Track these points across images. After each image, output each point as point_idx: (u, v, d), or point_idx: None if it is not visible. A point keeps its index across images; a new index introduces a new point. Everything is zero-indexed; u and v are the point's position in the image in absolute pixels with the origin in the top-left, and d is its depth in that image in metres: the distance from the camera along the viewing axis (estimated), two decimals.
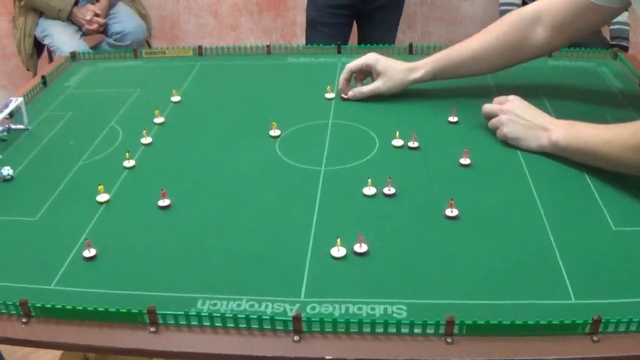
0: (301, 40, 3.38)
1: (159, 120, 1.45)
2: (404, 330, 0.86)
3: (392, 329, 0.86)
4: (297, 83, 1.65)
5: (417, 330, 0.86)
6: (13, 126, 1.46)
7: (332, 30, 2.68)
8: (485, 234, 1.06)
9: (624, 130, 1.13)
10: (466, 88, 1.55)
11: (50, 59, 2.99)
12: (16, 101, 1.45)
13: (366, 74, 1.53)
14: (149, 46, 3.03)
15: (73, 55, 1.85)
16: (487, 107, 1.35)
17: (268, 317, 0.89)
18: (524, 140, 1.27)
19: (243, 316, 0.89)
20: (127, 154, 1.29)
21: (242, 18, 3.36)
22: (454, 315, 0.85)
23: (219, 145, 1.36)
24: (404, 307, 0.91)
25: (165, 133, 1.41)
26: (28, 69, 2.93)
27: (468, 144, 1.28)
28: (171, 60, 1.81)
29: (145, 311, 0.90)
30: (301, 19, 3.33)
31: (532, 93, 1.45)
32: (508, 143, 1.29)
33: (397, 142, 1.34)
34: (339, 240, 1.02)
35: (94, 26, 2.81)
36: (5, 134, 1.43)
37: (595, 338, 0.85)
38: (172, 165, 1.30)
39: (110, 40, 2.87)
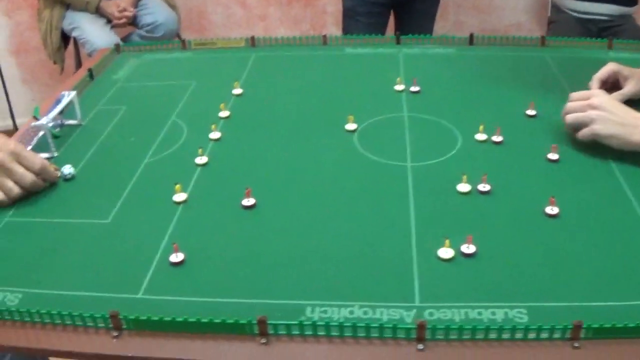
0: (331, 30, 3.30)
1: (224, 114, 1.37)
2: (531, 335, 0.81)
3: (519, 335, 0.81)
4: (361, 74, 1.57)
5: (543, 335, 0.81)
6: (66, 122, 1.38)
7: (369, 20, 2.62)
8: (588, 232, 1.01)
9: None
10: (539, 81, 1.47)
11: (77, 52, 2.90)
12: (69, 95, 1.37)
13: (611, 83, 1.42)
14: (180, 38, 2.94)
15: (117, 47, 1.77)
16: (572, 105, 1.24)
17: (390, 326, 0.82)
18: (616, 138, 1.17)
19: (363, 325, 0.82)
20: (199, 150, 1.21)
21: (271, 8, 3.28)
22: (582, 320, 0.80)
23: (293, 139, 1.28)
24: (524, 311, 0.85)
25: (232, 127, 1.33)
26: (55, 63, 2.84)
27: (551, 138, 1.23)
28: (222, 52, 1.73)
29: (255, 321, 0.82)
30: (331, 8, 3.25)
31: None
32: (594, 141, 1.20)
33: (481, 137, 1.26)
34: (447, 242, 0.95)
35: (123, 20, 2.72)
36: (57, 129, 1.35)
37: None
38: (246, 161, 1.22)
39: (142, 32, 2.78)
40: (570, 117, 1.23)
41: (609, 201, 1.07)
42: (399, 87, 1.47)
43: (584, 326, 0.80)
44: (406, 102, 1.42)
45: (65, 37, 2.84)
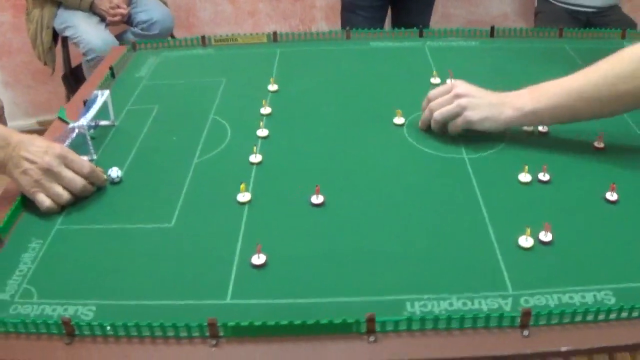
0: (321, 25, 3.28)
1: (265, 110, 1.34)
2: (624, 315, 0.82)
3: (613, 315, 0.82)
4: (393, 68, 1.55)
5: (634, 314, 0.82)
6: (100, 123, 1.34)
7: (369, 13, 2.61)
8: None
9: (585, 77, 1.13)
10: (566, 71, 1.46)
11: (66, 52, 2.83)
12: (103, 95, 1.33)
13: None
14: (172, 36, 2.89)
15: (133, 45, 1.72)
16: (437, 102, 1.23)
17: (497, 315, 0.81)
18: (488, 120, 1.18)
19: (470, 316, 0.81)
20: (254, 147, 1.18)
21: (260, 4, 3.24)
22: None
23: (343, 135, 1.26)
24: (610, 292, 0.87)
25: (277, 124, 1.31)
26: (45, 64, 2.76)
27: (593, 126, 1.21)
28: (244, 48, 1.70)
29: (363, 320, 0.80)
30: (321, 3, 3.23)
31: None
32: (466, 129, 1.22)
33: (527, 127, 1.26)
34: (529, 230, 0.95)
35: (117, 17, 2.66)
36: (91, 131, 1.31)
37: None
38: (302, 158, 1.20)
39: (137, 30, 2.72)
40: (440, 114, 1.21)
41: None
42: (435, 80, 1.46)
43: None
44: None
45: (53, 37, 2.75)
